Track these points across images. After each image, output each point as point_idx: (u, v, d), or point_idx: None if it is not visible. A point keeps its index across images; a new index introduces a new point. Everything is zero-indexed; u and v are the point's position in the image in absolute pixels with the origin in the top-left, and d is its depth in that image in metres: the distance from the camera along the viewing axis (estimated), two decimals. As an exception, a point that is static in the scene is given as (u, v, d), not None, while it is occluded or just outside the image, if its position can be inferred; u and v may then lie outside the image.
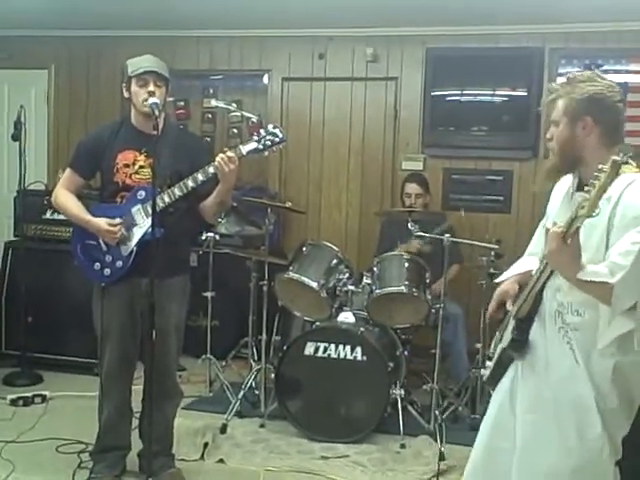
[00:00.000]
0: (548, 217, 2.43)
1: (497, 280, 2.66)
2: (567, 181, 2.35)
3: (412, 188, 5.20)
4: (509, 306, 2.43)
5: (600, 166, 1.81)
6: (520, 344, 2.30)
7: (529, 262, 2.53)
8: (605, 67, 5.59)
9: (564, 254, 1.97)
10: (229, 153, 3.21)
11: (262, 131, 3.34)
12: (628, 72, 5.57)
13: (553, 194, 2.44)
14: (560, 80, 2.31)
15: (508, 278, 2.55)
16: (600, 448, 2.15)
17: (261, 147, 3.32)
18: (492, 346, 2.56)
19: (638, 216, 2.02)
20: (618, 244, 2.02)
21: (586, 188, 1.84)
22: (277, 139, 3.33)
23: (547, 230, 2.03)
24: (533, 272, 2.29)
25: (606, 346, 2.08)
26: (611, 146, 2.21)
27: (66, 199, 3.44)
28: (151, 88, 3.23)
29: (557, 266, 2.07)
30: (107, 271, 3.33)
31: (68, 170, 3.49)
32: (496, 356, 2.45)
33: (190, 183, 3.24)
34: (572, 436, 2.17)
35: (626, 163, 2.13)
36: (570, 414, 2.18)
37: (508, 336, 2.34)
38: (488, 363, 2.51)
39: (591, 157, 2.21)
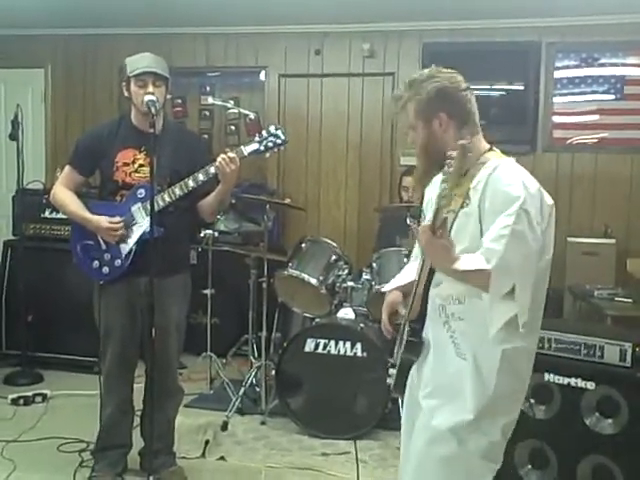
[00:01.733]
0: (425, 216, 2.43)
1: (383, 290, 2.64)
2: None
3: (409, 181, 5.18)
4: (402, 311, 2.44)
5: (449, 153, 1.81)
6: (414, 345, 2.29)
7: (413, 269, 2.52)
8: (602, 60, 5.60)
9: (436, 246, 1.97)
10: (230, 154, 3.21)
11: (264, 132, 3.33)
12: (625, 65, 5.58)
13: (426, 192, 2.43)
14: (404, 84, 2.27)
15: (392, 289, 2.57)
16: (470, 439, 2.12)
17: (262, 149, 3.31)
18: (395, 353, 2.51)
19: (505, 200, 2.02)
20: (490, 230, 2.02)
21: (442, 177, 1.86)
22: (279, 141, 3.32)
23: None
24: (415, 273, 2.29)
25: (495, 333, 2.07)
26: (470, 135, 2.20)
27: (65, 196, 3.43)
28: (150, 89, 3.22)
29: (433, 260, 2.07)
30: (105, 269, 3.33)
31: (67, 167, 3.48)
32: (398, 362, 2.42)
33: (191, 183, 3.24)
34: (444, 423, 2.14)
35: (491, 150, 2.21)
36: (446, 403, 2.16)
37: (404, 340, 2.33)
38: (392, 370, 2.46)
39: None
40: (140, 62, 3.28)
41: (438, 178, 2.25)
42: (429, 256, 2.06)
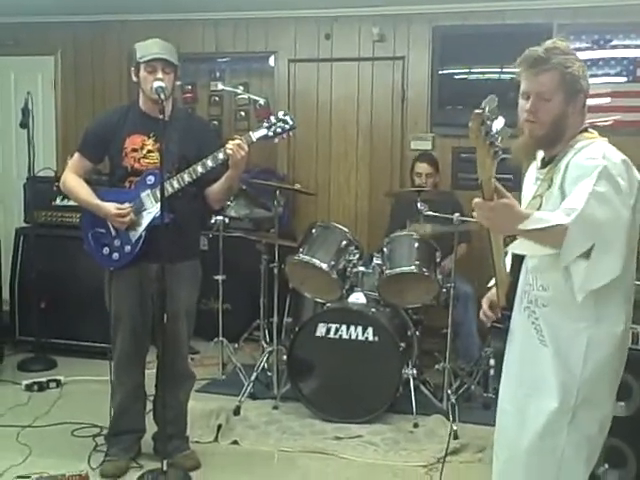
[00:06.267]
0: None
1: (489, 285, 2.53)
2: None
3: (423, 168, 5.18)
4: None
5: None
6: (498, 331, 2.29)
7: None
8: (614, 42, 5.54)
9: (497, 210, 1.82)
10: (238, 141, 3.21)
11: (272, 118, 3.33)
12: (637, 47, 5.51)
13: (526, 177, 2.35)
14: (546, 47, 2.11)
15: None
16: (562, 432, 2.08)
17: (271, 134, 3.32)
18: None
19: (585, 171, 1.96)
20: (569, 195, 1.96)
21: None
22: (287, 126, 3.33)
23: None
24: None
25: (578, 321, 2.04)
26: (583, 119, 2.16)
27: (75, 184, 3.45)
28: (159, 75, 3.23)
29: (499, 226, 1.92)
30: (115, 256, 3.35)
31: (77, 155, 3.49)
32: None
33: (199, 169, 3.25)
34: (533, 415, 2.13)
35: (585, 131, 2.14)
36: (529, 393, 2.15)
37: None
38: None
39: (569, 133, 2.13)
40: (150, 48, 3.28)
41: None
42: (494, 225, 1.92)
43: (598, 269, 1.94)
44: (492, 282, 2.45)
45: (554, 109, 2.09)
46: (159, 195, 3.13)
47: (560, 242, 1.88)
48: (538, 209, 2.07)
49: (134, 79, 3.35)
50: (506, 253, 2.21)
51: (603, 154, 1.99)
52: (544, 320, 2.12)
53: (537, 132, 2.12)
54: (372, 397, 4.18)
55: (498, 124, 1.72)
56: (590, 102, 2.18)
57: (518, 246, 2.04)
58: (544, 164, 2.18)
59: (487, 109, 1.70)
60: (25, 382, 4.63)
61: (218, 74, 6.67)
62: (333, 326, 4.20)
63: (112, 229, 3.36)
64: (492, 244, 2.07)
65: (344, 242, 4.46)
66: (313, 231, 4.51)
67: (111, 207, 3.30)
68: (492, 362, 4.38)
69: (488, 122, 1.70)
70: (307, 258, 4.32)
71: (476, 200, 1.85)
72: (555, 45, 2.11)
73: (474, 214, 1.89)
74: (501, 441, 2.30)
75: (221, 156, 3.24)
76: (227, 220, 5.01)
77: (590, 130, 2.16)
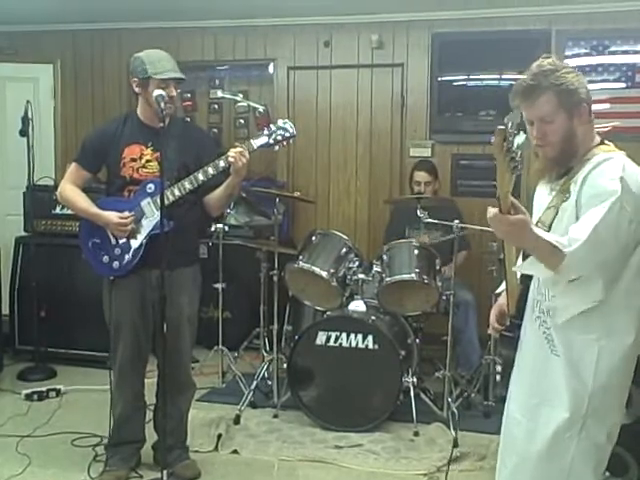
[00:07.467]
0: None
1: (497, 292, 2.56)
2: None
3: (421, 176, 5.16)
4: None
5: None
6: (508, 340, 2.32)
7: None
8: (613, 48, 5.54)
9: (513, 223, 1.85)
10: (239, 149, 3.22)
11: (272, 126, 3.35)
12: (636, 52, 5.50)
13: (538, 189, 2.35)
14: (532, 73, 2.12)
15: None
16: (572, 440, 2.10)
17: (272, 142, 3.34)
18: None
19: (601, 194, 1.97)
20: (579, 220, 1.99)
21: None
22: (287, 134, 3.35)
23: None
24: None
25: (588, 332, 2.07)
26: (593, 126, 2.17)
27: (73, 194, 3.44)
28: (173, 93, 3.26)
29: (512, 237, 1.96)
30: (116, 264, 3.34)
31: (74, 165, 3.48)
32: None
33: (200, 176, 3.25)
34: (543, 423, 2.15)
35: (602, 144, 2.15)
36: (540, 402, 2.17)
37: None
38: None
39: (582, 145, 2.14)
40: (163, 64, 3.28)
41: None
42: (509, 239, 1.99)
43: (581, 296, 2.03)
44: (501, 288, 2.47)
45: (560, 128, 2.11)
46: (160, 203, 3.13)
47: (555, 266, 1.94)
48: (553, 219, 2.11)
49: (136, 89, 3.33)
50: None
51: (622, 178, 1.98)
52: (556, 330, 2.13)
53: (550, 153, 2.14)
54: (372, 405, 4.17)
55: (519, 139, 1.78)
56: (589, 108, 2.18)
57: (526, 266, 2.07)
58: (560, 175, 2.18)
59: (510, 125, 1.74)
60: (25, 391, 4.62)
61: (217, 82, 6.68)
62: (333, 334, 4.19)
63: (112, 238, 3.36)
64: (505, 252, 2.10)
65: (344, 250, 4.46)
66: (313, 239, 4.50)
67: (112, 216, 3.30)
68: (499, 368, 4.39)
69: (510, 138, 1.74)
70: (307, 266, 4.31)
71: (493, 212, 1.88)
72: (541, 67, 2.11)
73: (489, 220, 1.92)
74: (509, 449, 2.31)
75: (222, 164, 3.25)
76: (227, 228, 5.01)
77: (607, 142, 2.17)
